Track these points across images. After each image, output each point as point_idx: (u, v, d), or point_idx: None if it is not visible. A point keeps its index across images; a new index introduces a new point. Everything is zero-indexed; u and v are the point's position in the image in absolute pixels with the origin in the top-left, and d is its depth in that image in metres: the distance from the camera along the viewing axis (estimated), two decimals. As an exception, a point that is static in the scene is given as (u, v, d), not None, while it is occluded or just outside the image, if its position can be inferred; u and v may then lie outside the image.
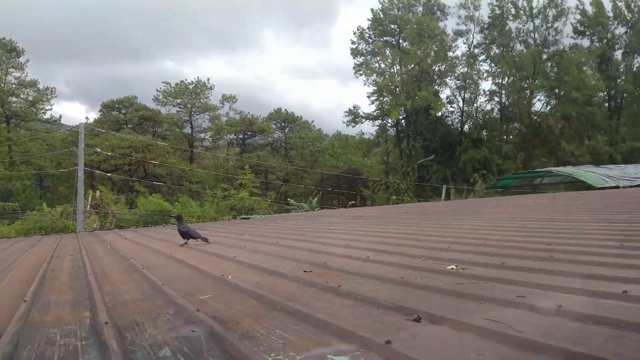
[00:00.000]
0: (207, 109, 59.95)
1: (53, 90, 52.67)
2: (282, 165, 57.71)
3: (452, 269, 3.66)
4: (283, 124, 67.21)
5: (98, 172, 41.09)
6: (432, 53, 46.47)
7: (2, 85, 47.95)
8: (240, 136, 63.30)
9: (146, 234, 11.36)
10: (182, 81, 59.42)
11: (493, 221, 8.17)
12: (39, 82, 50.75)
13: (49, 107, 52.54)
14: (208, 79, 59.98)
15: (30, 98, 50.56)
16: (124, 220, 24.55)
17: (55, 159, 46.87)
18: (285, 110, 66.96)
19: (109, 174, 42.56)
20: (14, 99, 49.76)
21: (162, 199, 27.36)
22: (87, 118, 61.14)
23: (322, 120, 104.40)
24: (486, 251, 4.44)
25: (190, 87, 59.08)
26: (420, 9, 49.40)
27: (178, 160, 52.82)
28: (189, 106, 59.63)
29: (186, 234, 7.49)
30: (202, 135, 62.68)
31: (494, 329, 2.11)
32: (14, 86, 49.10)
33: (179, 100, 59.50)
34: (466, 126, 50.82)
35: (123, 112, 59.41)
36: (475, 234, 6.17)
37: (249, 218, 20.04)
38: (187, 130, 60.98)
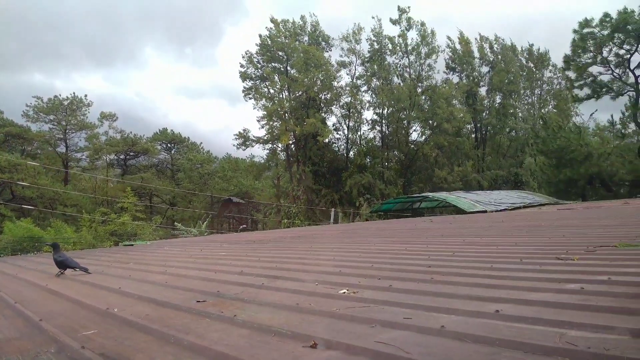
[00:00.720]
0: (84, 126, 55.96)
1: None
2: (169, 187, 55.53)
3: (344, 293, 3.82)
4: (169, 145, 65.01)
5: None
6: (319, 82, 48.23)
7: None
8: (122, 156, 59.99)
9: (16, 263, 10.27)
10: (55, 96, 55.02)
11: (378, 244, 8.62)
12: None
13: None
14: (85, 95, 56.27)
15: None
16: (-15, 248, 21.89)
17: None
18: (172, 130, 64.99)
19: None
20: None
21: (33, 224, 24.87)
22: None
23: (209, 141, 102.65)
24: (374, 274, 4.69)
25: (65, 103, 54.88)
26: (306, 38, 51.24)
27: (51, 181, 48.38)
28: (64, 123, 55.23)
29: (63, 264, 6.92)
30: (79, 155, 58.31)
31: (385, 352, 2.27)
32: None
33: (52, 117, 54.88)
34: (351, 152, 53.21)
35: (-15, 127, 53.36)
36: (363, 257, 6.48)
37: (132, 245, 18.94)
38: (62, 149, 56.31)
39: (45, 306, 4.45)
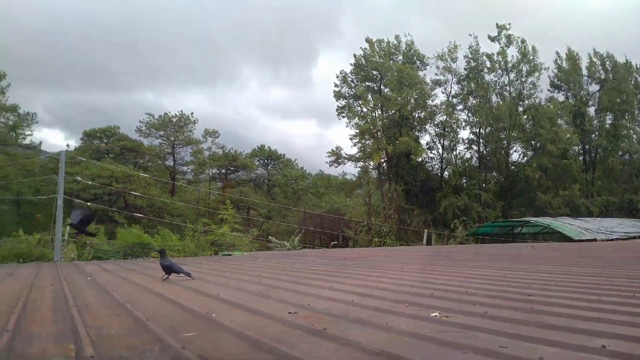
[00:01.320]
0: (190, 142, 60.02)
1: (34, 115, 52.30)
2: (265, 202, 57.61)
3: (436, 316, 3.72)
4: (266, 161, 67.54)
5: (77, 200, 40.45)
6: (412, 100, 47.68)
7: (-18, 109, 47.46)
8: (223, 171, 63.32)
9: (127, 267, 11.19)
10: (165, 114, 59.66)
11: (474, 269, 8.28)
12: (20, 106, 50.36)
13: (29, 132, 51.99)
14: (192, 113, 60.39)
15: (11, 122, 50.01)
16: (101, 251, 24.11)
17: (33, 186, 46.10)
18: (269, 147, 67.49)
19: (88, 203, 41.91)
20: (-7, 123, 49.22)
21: (142, 231, 26.98)
22: (67, 145, 60.67)
23: (303, 158, 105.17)
24: (468, 299, 4.52)
25: (174, 120, 59.26)
26: (401, 57, 50.99)
27: (159, 192, 52.36)
28: (172, 139, 59.65)
29: (168, 269, 7.43)
30: (184, 168, 62.54)
31: (477, 378, 2.18)
32: (-7, 109, 48.61)
33: (162, 132, 59.54)
34: (446, 172, 51.69)
35: (105, 141, 59.14)
36: (458, 281, 6.26)
37: (230, 255, 19.85)
38: (170, 162, 60.80)
39: (152, 307, 4.80)
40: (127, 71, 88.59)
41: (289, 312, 4.09)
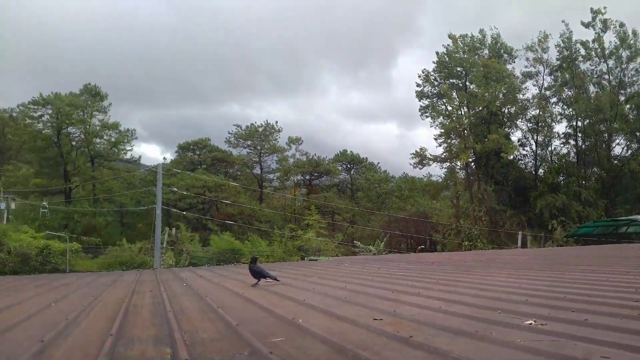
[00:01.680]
0: (275, 150, 61.83)
1: (133, 132, 56.59)
2: (349, 206, 57.81)
3: (531, 324, 3.52)
4: (349, 166, 67.77)
5: (174, 210, 43.11)
6: (501, 95, 45.54)
7: (88, 127, 52.05)
8: (307, 177, 64.43)
9: (220, 273, 11.72)
10: (252, 124, 61.96)
11: (574, 273, 7.73)
12: (121, 124, 54.67)
13: (129, 147, 56.33)
14: (276, 122, 62.15)
15: (113, 139, 54.45)
16: (197, 257, 25.48)
17: (135, 197, 49.81)
18: (351, 151, 67.66)
19: (184, 212, 44.52)
20: (98, 140, 53.82)
21: (233, 238, 28.14)
22: (164, 158, 64.92)
23: (385, 160, 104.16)
24: (567, 306, 4.22)
25: (260, 129, 61.36)
26: (486, 51, 48.92)
27: (248, 200, 54.40)
28: (259, 148, 61.78)
29: (258, 274, 7.68)
30: (271, 176, 64.49)
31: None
32: (98, 128, 53.15)
33: (249, 142, 61.89)
34: (541, 170, 48.75)
35: (197, 153, 62.59)
36: (555, 286, 5.87)
37: (316, 260, 20.14)
38: (257, 171, 62.99)
39: (242, 312, 4.97)
40: (214, 85, 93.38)
41: (374, 319, 4.06)
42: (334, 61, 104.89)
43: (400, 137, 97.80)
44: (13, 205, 46.32)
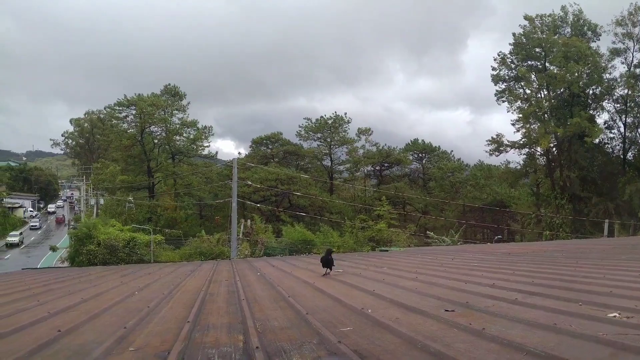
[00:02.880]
0: (345, 142, 61.80)
1: (210, 129, 58.78)
2: (421, 196, 56.75)
3: (615, 317, 3.28)
4: (420, 155, 66.41)
5: (249, 202, 44.40)
6: (584, 75, 42.57)
7: (169, 125, 54.71)
8: (377, 168, 63.93)
9: (291, 262, 11.95)
10: (321, 117, 62.26)
11: (668, 264, 7.12)
12: (199, 122, 56.98)
13: (207, 144, 58.62)
14: (345, 113, 62.02)
15: (191, 136, 56.88)
16: (271, 247, 26.12)
17: (212, 191, 51.88)
18: (422, 140, 66.21)
19: (258, 205, 45.77)
20: (178, 137, 56.45)
21: (305, 229, 28.53)
22: (239, 153, 67.06)
23: (457, 148, 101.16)
24: (659, 299, 3.90)
25: (329, 122, 61.59)
26: (568, 30, 45.82)
27: (319, 191, 54.91)
28: (328, 140, 62.07)
29: (327, 262, 7.75)
30: (341, 167, 64.61)
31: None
32: (177, 126, 55.76)
33: (319, 135, 62.34)
34: (630, 154, 45.19)
35: (270, 147, 64.00)
36: (645, 278, 5.43)
37: (387, 250, 19.99)
38: (327, 162, 63.39)
39: (311, 301, 5.04)
40: (279, 81, 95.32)
41: (446, 310, 3.97)
42: (398, 48, 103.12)
43: (472, 123, 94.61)
44: (102, 201, 49.90)
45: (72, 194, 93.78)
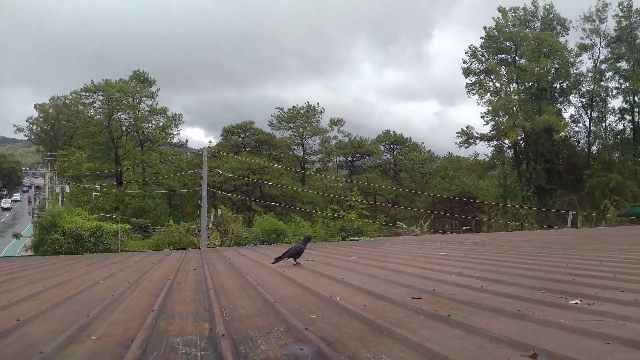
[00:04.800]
0: (317, 132, 61.91)
1: (180, 116, 57.93)
2: (391, 187, 57.34)
3: (576, 304, 3.38)
4: (392, 146, 67.04)
5: (220, 192, 44.04)
6: (553, 70, 43.61)
7: (137, 112, 53.64)
8: (349, 158, 64.28)
9: (262, 252, 11.92)
10: (294, 106, 62.17)
11: (625, 252, 7.38)
12: (168, 109, 56.06)
13: (176, 132, 57.78)
14: (318, 103, 62.08)
15: (161, 124, 55.94)
16: (242, 237, 25.98)
17: (182, 180, 51.21)
18: (394, 132, 66.84)
19: (229, 194, 45.41)
20: (147, 124, 55.44)
21: (277, 219, 28.51)
22: (209, 142, 66.30)
23: (425, 139, 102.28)
24: (616, 285, 4.03)
25: (302, 111, 61.50)
26: (538, 24, 46.79)
27: (291, 181, 54.88)
28: (301, 130, 62.02)
29: (297, 253, 7.72)
30: (313, 157, 64.72)
31: (623, 374, 1.91)
32: (146, 113, 54.73)
33: (291, 125, 62.22)
34: (594, 147, 46.67)
35: (241, 136, 63.51)
36: (604, 266, 5.62)
37: (357, 240, 20.14)
38: (299, 152, 63.37)
39: (281, 290, 5.02)
40: (248, 69, 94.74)
41: (413, 297, 4.01)
42: (365, 37, 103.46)
43: (439, 115, 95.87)
44: (67, 189, 48.64)
45: (30, 185, 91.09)
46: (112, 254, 18.07)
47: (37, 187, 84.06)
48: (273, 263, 7.52)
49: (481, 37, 47.15)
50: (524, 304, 3.48)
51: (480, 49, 47.24)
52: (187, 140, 62.61)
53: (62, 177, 51.47)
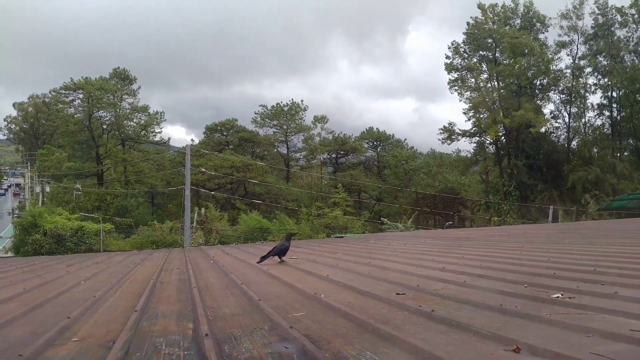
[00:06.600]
0: (301, 129, 61.85)
1: (162, 114, 57.32)
2: (376, 184, 57.60)
3: (558, 297, 3.42)
4: (375, 143, 67.29)
5: (203, 190, 43.75)
6: (532, 67, 44.22)
7: (118, 110, 52.97)
8: (333, 155, 64.37)
9: (246, 250, 11.86)
10: (277, 104, 62.02)
11: (605, 246, 7.51)
12: (150, 107, 55.44)
13: (158, 130, 57.19)
14: (302, 100, 61.99)
15: (142, 122, 55.29)
16: (226, 236, 25.90)
17: (164, 178, 50.74)
18: (377, 129, 67.08)
19: (212, 193, 45.13)
20: (128, 122, 54.76)
21: (261, 217, 28.46)
22: (192, 140, 65.81)
23: (406, 136, 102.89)
24: (596, 279, 4.10)
25: (285, 109, 61.35)
26: (518, 21, 47.34)
27: (275, 179, 54.77)
28: (285, 127, 61.88)
29: (282, 251, 7.68)
30: (297, 155, 64.67)
31: (603, 366, 1.94)
32: (127, 111, 54.07)
33: (275, 122, 62.04)
34: (574, 143, 47.45)
35: (225, 134, 63.10)
36: (585, 259, 5.70)
37: (342, 237, 20.19)
38: (283, 150, 63.26)
39: (265, 288, 5.00)
40: (227, 66, 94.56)
41: (397, 294, 4.02)
42: (341, 33, 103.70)
43: (419, 111, 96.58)
44: (48, 189, 47.86)
45: (10, 185, 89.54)
46: (94, 254, 17.83)
47: (18, 185, 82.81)
48: (258, 262, 7.47)
49: (463, 33, 47.56)
50: (506, 299, 3.51)
51: (462, 45, 47.64)
52: (169, 139, 62.11)
53: (42, 176, 50.63)
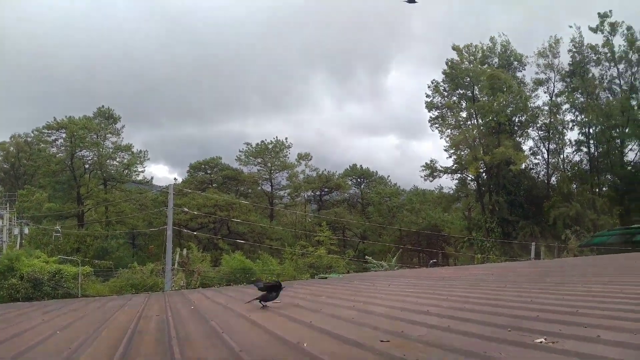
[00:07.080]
0: (285, 167, 61.99)
1: (146, 153, 57.08)
2: (360, 221, 57.59)
3: (541, 342, 3.41)
4: (359, 180, 67.66)
5: (185, 230, 43.21)
6: (510, 105, 45.44)
7: (101, 150, 52.64)
8: (317, 193, 64.41)
9: (228, 294, 11.64)
10: (262, 141, 62.26)
11: (587, 285, 7.55)
12: (133, 145, 55.20)
13: (141, 169, 56.77)
14: (286, 138, 62.37)
15: (125, 161, 54.92)
16: (208, 277, 25.44)
17: (146, 219, 50.06)
18: (360, 166, 67.62)
19: (195, 233, 44.59)
20: (111, 162, 54.35)
21: (244, 257, 28.09)
22: (175, 179, 65.40)
23: (389, 173, 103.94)
24: (579, 321, 4.09)
25: (270, 146, 61.60)
26: (496, 60, 48.88)
27: (259, 217, 54.42)
28: (269, 165, 61.97)
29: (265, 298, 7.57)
30: (281, 192, 64.56)
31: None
32: (111, 150, 53.75)
33: (259, 160, 62.14)
34: (553, 178, 48.36)
35: (208, 172, 62.91)
36: (567, 300, 5.72)
37: (326, 277, 19.97)
38: (267, 187, 63.14)
39: (246, 337, 4.89)
40: (213, 104, 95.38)
41: (381, 341, 3.97)
42: (325, 74, 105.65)
43: (402, 148, 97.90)
44: (26, 230, 46.79)
45: None
46: (72, 299, 17.32)
47: None
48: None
49: (442, 72, 48.84)
50: (490, 344, 3.49)
51: (442, 83, 48.87)
52: (152, 178, 61.61)
53: (21, 217, 49.60)
